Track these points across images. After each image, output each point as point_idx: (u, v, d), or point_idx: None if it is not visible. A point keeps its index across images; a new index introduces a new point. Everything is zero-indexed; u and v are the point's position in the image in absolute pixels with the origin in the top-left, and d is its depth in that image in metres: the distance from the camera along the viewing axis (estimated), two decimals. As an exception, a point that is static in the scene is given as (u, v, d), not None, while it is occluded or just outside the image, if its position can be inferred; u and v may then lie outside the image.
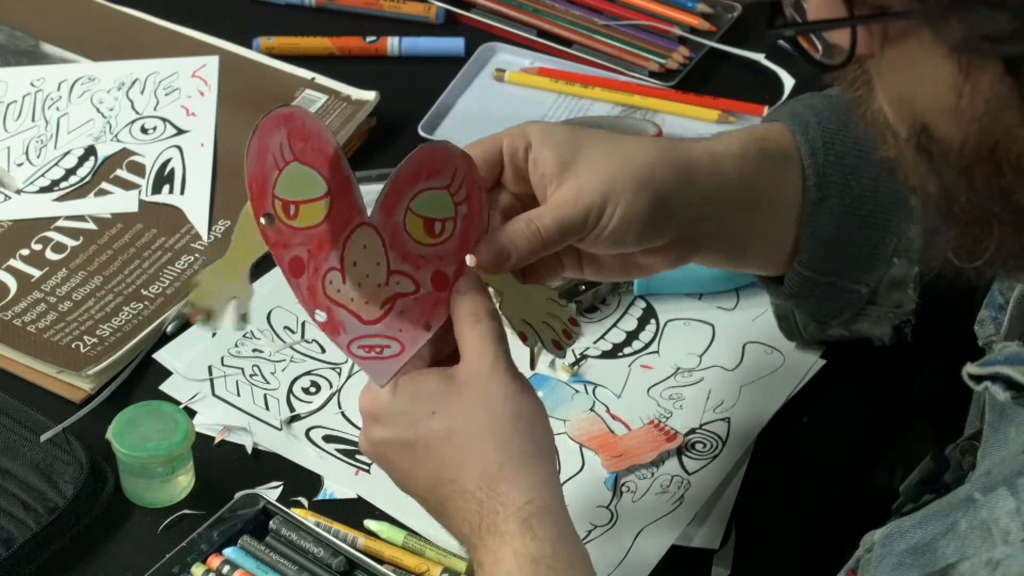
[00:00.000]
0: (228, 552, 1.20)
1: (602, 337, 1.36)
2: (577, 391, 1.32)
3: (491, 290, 1.12)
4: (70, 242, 1.43)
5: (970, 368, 0.94)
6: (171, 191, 1.48)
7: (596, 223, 1.11)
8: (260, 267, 1.39)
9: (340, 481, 1.26)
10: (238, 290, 1.10)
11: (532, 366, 1.31)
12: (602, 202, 1.11)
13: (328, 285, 1.07)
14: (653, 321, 1.38)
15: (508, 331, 1.12)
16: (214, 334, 1.35)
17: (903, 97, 0.87)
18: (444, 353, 1.12)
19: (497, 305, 1.11)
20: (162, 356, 1.35)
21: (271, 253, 1.07)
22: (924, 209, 0.90)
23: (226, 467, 1.28)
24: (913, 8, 0.82)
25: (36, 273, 1.41)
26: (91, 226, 1.45)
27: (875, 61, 0.87)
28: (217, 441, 1.29)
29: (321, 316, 1.07)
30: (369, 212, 1.08)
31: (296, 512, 1.22)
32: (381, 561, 1.20)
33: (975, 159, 0.84)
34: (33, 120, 1.55)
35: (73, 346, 1.34)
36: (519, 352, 1.33)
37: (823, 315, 1.27)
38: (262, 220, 1.05)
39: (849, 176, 1.20)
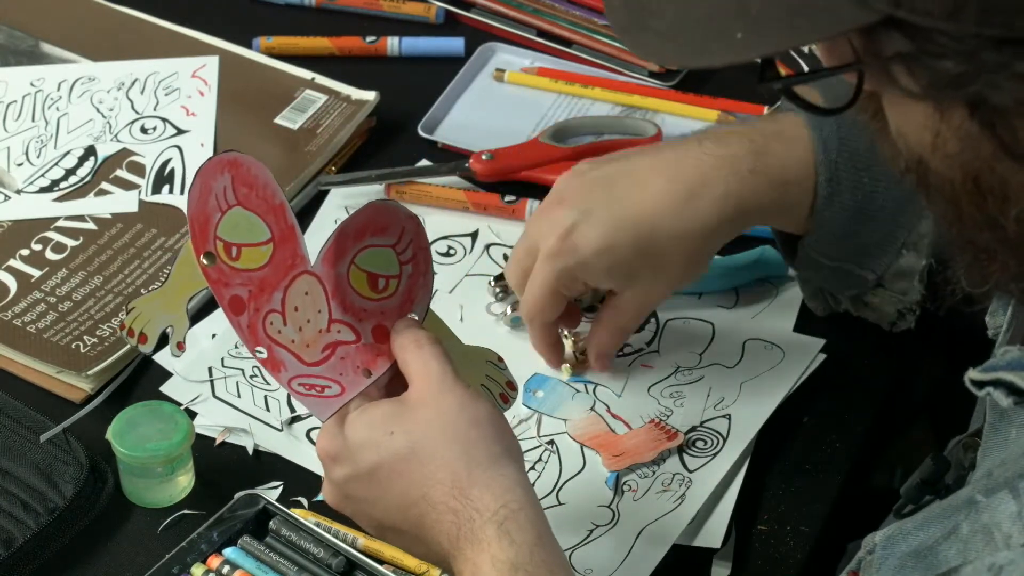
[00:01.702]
0: (228, 552, 1.20)
1: (602, 337, 1.36)
2: (577, 391, 1.32)
3: None
4: (70, 242, 1.43)
5: (972, 374, 0.95)
6: (171, 191, 1.48)
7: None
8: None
9: (340, 481, 1.26)
10: (175, 320, 1.12)
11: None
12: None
13: (268, 325, 1.08)
14: (653, 320, 1.38)
15: None
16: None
17: (899, 133, 0.89)
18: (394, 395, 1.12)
19: None
20: (162, 357, 1.34)
21: (211, 290, 1.07)
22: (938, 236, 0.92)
23: (226, 467, 1.27)
24: (868, 60, 0.83)
25: (36, 273, 1.41)
26: (91, 226, 1.45)
27: (883, 96, 0.88)
28: (218, 442, 1.29)
29: (261, 353, 1.08)
30: (313, 261, 1.08)
31: (296, 512, 1.22)
32: (381, 561, 1.20)
33: (963, 191, 0.86)
34: (33, 120, 1.55)
35: (73, 346, 1.34)
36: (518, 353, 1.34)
37: (831, 289, 1.32)
38: (203, 259, 1.06)
39: (862, 173, 1.24)
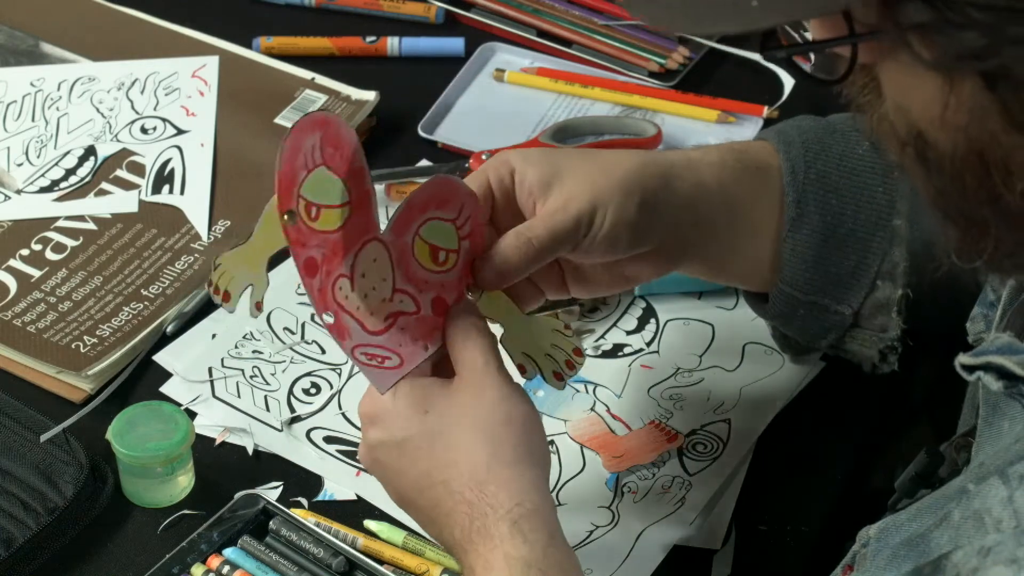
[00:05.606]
0: (228, 552, 1.20)
1: (602, 337, 1.36)
2: (577, 391, 1.32)
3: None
4: (70, 242, 1.43)
5: (963, 358, 0.95)
6: (171, 191, 1.48)
7: (588, 229, 1.13)
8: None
9: (340, 482, 1.26)
10: (255, 278, 1.11)
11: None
12: (591, 208, 1.13)
13: (337, 291, 1.08)
14: (653, 321, 1.38)
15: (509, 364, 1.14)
16: (214, 335, 1.35)
17: (899, 106, 0.88)
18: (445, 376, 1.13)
19: (498, 338, 1.13)
20: (162, 358, 1.34)
21: (289, 250, 1.07)
22: (928, 211, 0.92)
23: (226, 467, 1.28)
24: (884, 28, 0.83)
25: (36, 273, 1.41)
26: (91, 226, 1.45)
27: (880, 69, 0.88)
28: (218, 442, 1.29)
29: (329, 318, 1.08)
30: (383, 229, 1.09)
31: (296, 512, 1.22)
32: (381, 561, 1.20)
33: (965, 165, 0.86)
34: (33, 120, 1.55)
35: (73, 346, 1.34)
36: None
37: (809, 336, 1.27)
38: (285, 217, 1.06)
39: (830, 194, 1.22)
